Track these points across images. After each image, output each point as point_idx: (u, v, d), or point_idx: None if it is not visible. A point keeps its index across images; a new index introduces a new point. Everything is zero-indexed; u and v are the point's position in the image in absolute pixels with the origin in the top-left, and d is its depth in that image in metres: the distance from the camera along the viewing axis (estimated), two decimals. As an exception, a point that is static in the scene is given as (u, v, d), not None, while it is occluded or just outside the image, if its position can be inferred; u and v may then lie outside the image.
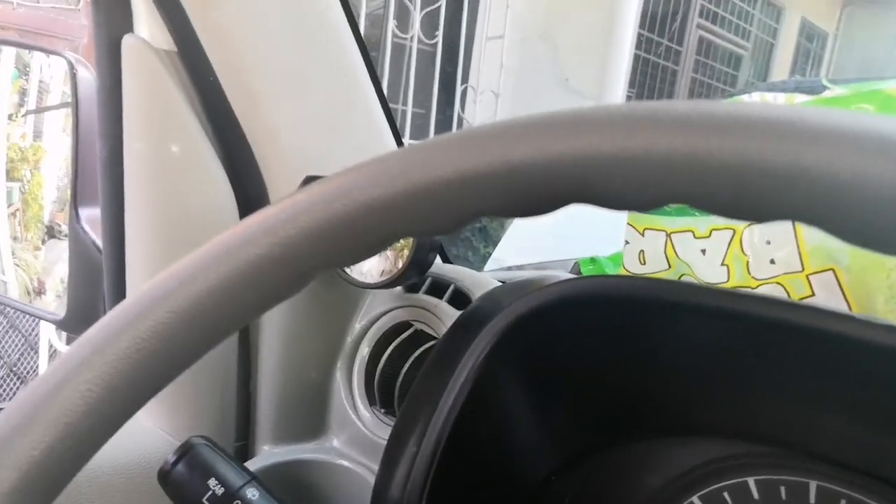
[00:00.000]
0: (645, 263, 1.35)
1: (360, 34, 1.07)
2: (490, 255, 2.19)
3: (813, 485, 1.16)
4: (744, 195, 0.32)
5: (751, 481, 1.21)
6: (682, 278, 1.34)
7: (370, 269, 1.41)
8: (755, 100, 1.30)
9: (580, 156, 0.34)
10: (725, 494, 1.22)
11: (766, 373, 1.08)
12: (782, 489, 1.18)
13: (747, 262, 1.23)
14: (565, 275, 1.29)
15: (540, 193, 0.37)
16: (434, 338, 1.41)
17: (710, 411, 1.26)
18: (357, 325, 1.48)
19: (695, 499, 1.25)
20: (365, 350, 1.50)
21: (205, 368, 1.23)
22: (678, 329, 1.06)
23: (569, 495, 1.34)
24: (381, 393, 1.50)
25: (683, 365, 1.14)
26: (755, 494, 1.20)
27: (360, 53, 1.12)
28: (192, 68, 0.97)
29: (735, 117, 0.31)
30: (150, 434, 1.21)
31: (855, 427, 1.07)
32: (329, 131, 1.13)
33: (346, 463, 1.47)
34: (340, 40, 1.07)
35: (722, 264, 1.26)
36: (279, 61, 0.99)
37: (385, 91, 1.27)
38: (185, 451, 0.91)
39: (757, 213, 0.33)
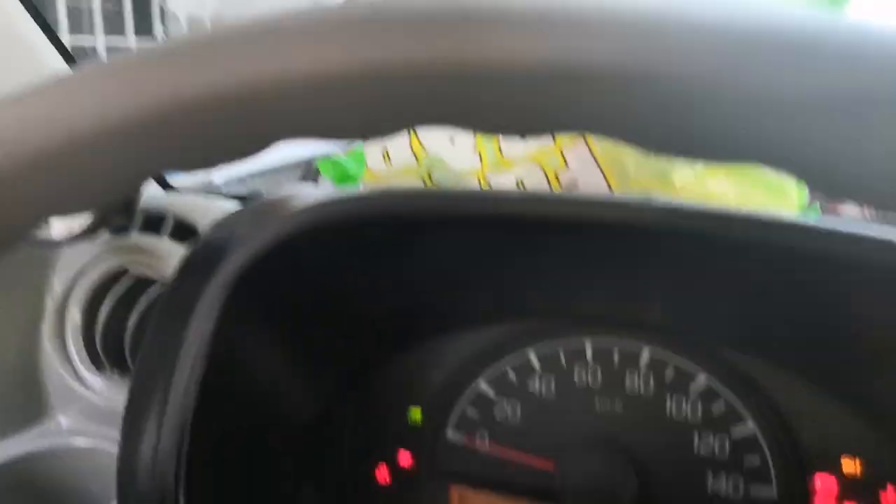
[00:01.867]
0: (390, 161, 1.22)
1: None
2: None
3: (587, 341, 1.19)
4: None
5: (530, 353, 1.21)
6: (433, 174, 1.24)
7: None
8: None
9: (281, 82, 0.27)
10: (509, 371, 1.22)
11: (529, 259, 1.04)
12: (560, 353, 1.19)
13: (499, 144, 1.16)
14: (308, 192, 1.11)
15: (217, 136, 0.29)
16: (160, 282, 1.17)
17: (481, 300, 1.22)
18: (58, 288, 1.19)
19: (481, 382, 1.24)
20: (75, 312, 1.22)
21: None
22: (437, 237, 0.96)
23: (350, 420, 1.25)
24: (109, 355, 1.25)
25: (446, 266, 1.06)
26: (536, 366, 1.21)
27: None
28: None
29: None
30: None
31: (612, 287, 1.09)
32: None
33: (80, 442, 1.25)
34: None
35: (473, 151, 1.17)
36: None
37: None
38: None
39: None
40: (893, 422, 1.05)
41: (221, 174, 1.91)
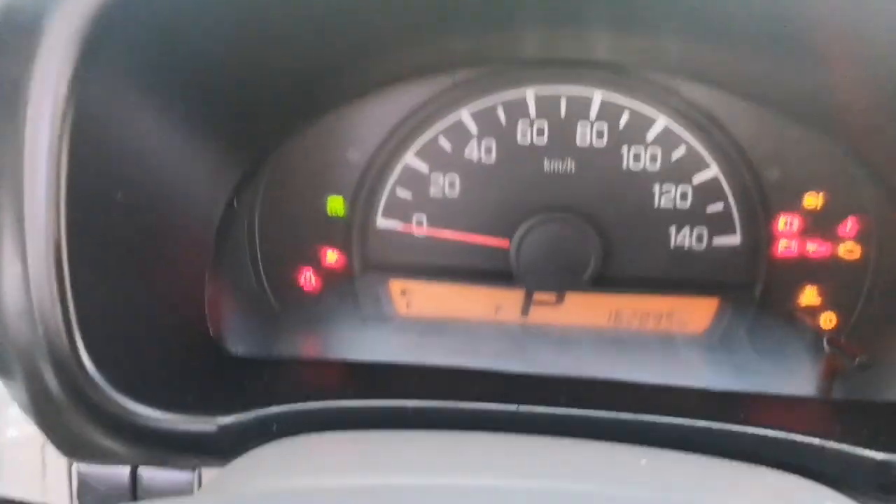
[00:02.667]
0: None
1: None
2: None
3: (529, 91, 1.01)
4: None
5: (464, 113, 1.02)
6: None
7: None
8: None
9: None
10: (441, 138, 1.03)
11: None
12: (499, 109, 1.01)
13: None
14: None
15: None
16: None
17: (399, 53, 0.99)
18: None
19: (409, 154, 1.04)
20: None
21: None
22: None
23: (260, 216, 1.04)
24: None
25: (349, 15, 0.82)
26: (472, 128, 1.02)
27: None
28: None
29: None
30: None
31: (548, 22, 0.91)
32: None
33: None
34: None
35: None
36: None
37: None
38: None
39: None
40: (861, 152, 0.98)
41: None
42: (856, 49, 0.79)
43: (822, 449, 0.63)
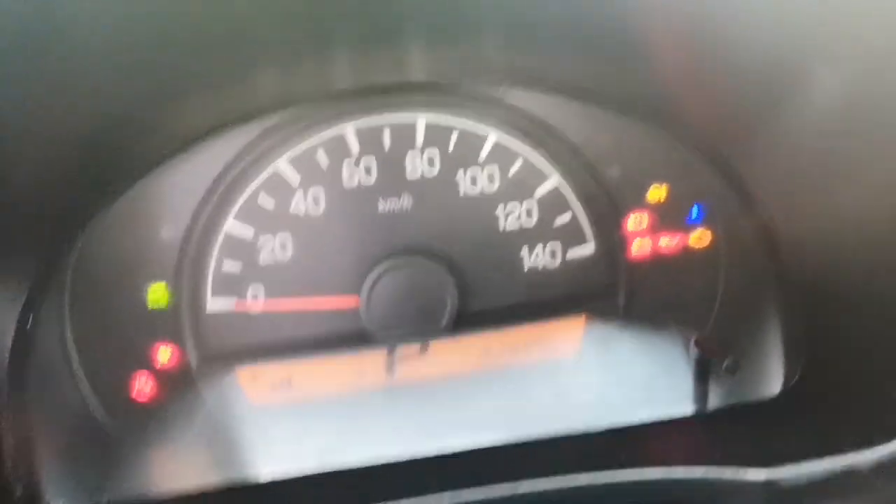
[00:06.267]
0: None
1: None
2: None
3: (348, 127, 0.93)
4: None
5: (280, 162, 0.91)
6: None
7: None
8: None
9: None
10: (261, 195, 0.91)
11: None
12: (318, 152, 0.92)
13: None
14: None
15: None
16: None
17: (192, 111, 0.88)
18: None
19: (228, 220, 0.91)
20: None
21: None
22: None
23: (69, 318, 0.88)
24: None
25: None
26: (292, 178, 0.90)
27: None
28: None
29: None
30: None
31: (360, 46, 0.83)
32: None
33: None
34: None
35: None
36: None
37: None
38: None
39: None
40: (694, 139, 0.97)
41: None
42: (681, 41, 0.77)
43: (706, 480, 0.59)
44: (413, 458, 0.83)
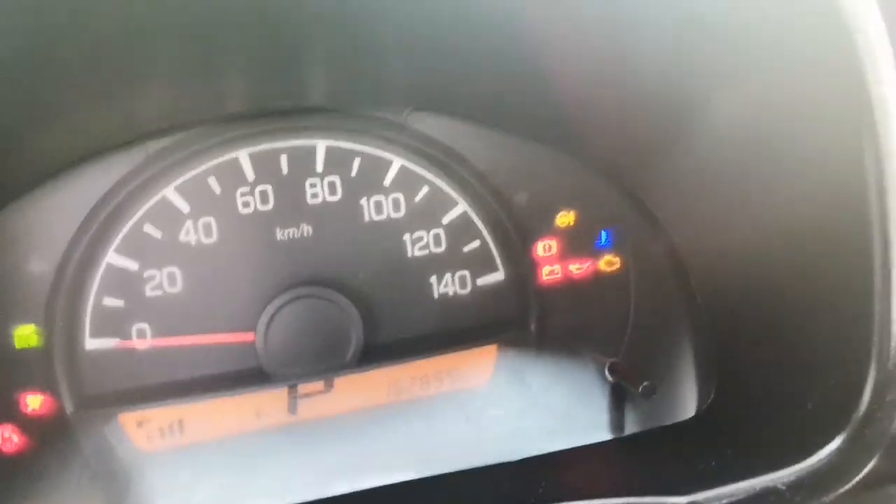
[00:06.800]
0: None
1: None
2: None
3: (242, 153, 0.87)
4: None
5: (168, 191, 0.84)
6: None
7: None
8: None
9: None
10: (147, 225, 0.84)
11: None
12: (210, 179, 0.86)
13: None
14: None
15: None
16: None
17: (67, 139, 0.80)
18: None
19: (110, 252, 0.82)
20: None
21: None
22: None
23: None
24: None
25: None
26: (182, 206, 0.83)
27: None
28: None
29: None
30: None
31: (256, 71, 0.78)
32: None
33: None
34: None
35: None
36: None
37: None
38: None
39: None
40: (600, 164, 0.97)
41: None
42: (584, 69, 0.77)
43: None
44: (319, 499, 0.77)
